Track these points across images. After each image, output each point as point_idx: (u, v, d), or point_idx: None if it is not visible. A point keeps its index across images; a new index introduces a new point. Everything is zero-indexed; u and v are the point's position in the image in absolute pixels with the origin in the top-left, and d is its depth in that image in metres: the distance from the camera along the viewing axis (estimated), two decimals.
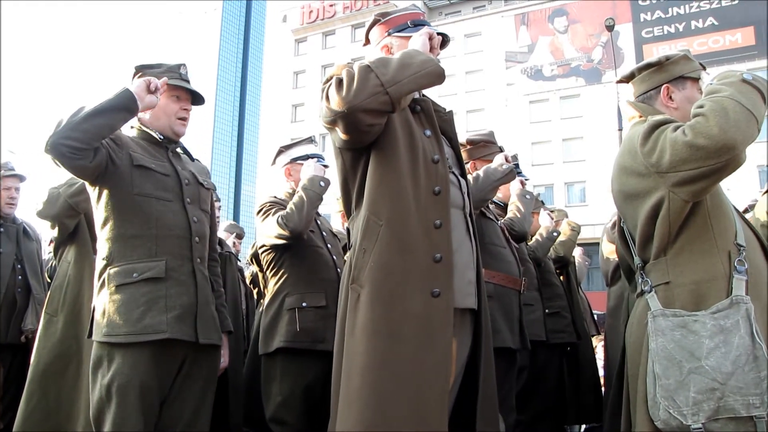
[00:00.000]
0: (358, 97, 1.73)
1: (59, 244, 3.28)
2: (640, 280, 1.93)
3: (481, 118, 31.82)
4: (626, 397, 1.98)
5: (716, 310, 1.69)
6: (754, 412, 1.58)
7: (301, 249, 3.01)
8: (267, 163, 3.47)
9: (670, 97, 2.07)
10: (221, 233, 4.94)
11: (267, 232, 2.96)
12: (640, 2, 30.73)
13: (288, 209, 2.88)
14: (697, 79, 2.07)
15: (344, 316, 1.84)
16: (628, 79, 2.21)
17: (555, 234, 4.32)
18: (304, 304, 2.89)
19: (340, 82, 1.77)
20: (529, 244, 4.07)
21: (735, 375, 1.61)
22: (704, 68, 2.11)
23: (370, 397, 1.68)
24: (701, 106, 1.74)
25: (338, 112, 1.76)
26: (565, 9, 32.26)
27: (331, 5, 38.55)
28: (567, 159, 30.55)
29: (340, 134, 1.85)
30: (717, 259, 1.78)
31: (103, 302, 2.23)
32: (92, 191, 2.33)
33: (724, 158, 1.66)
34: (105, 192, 2.29)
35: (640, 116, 2.05)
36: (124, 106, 2.15)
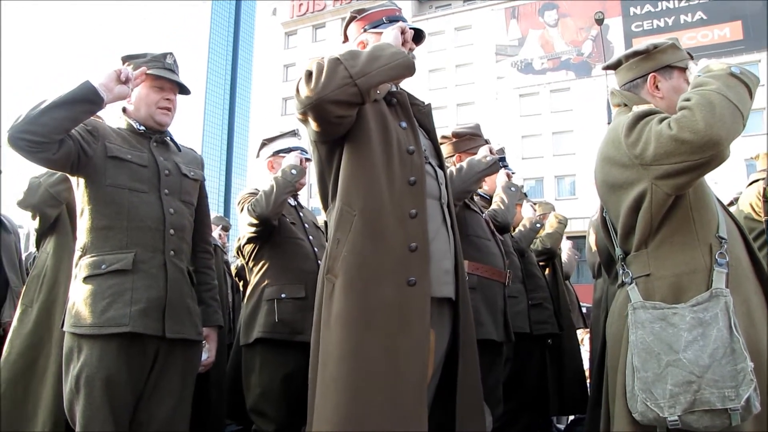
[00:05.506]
0: (326, 89, 1.75)
1: (41, 235, 3.23)
2: (621, 272, 1.91)
3: (472, 111, 31.85)
4: (606, 389, 1.97)
5: (696, 302, 1.67)
6: (729, 405, 1.57)
7: (281, 240, 3.01)
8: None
9: (657, 87, 2.03)
10: None
11: (242, 222, 2.98)
12: None
13: (258, 196, 2.91)
14: (684, 69, 2.02)
15: (320, 306, 1.84)
16: (614, 66, 2.17)
17: (538, 225, 4.33)
18: (283, 295, 2.89)
19: (309, 74, 1.79)
20: (512, 234, 4.08)
21: (712, 368, 1.59)
22: (692, 58, 2.06)
23: (346, 386, 1.68)
24: (688, 99, 1.70)
25: (307, 104, 1.78)
26: (555, 3, 32.34)
27: None
28: (557, 152, 30.68)
29: (312, 126, 1.86)
30: (698, 251, 1.76)
31: (74, 293, 2.23)
32: (73, 181, 2.32)
33: (709, 153, 1.63)
34: (82, 182, 2.28)
35: (625, 105, 2.02)
36: (85, 98, 2.10)
